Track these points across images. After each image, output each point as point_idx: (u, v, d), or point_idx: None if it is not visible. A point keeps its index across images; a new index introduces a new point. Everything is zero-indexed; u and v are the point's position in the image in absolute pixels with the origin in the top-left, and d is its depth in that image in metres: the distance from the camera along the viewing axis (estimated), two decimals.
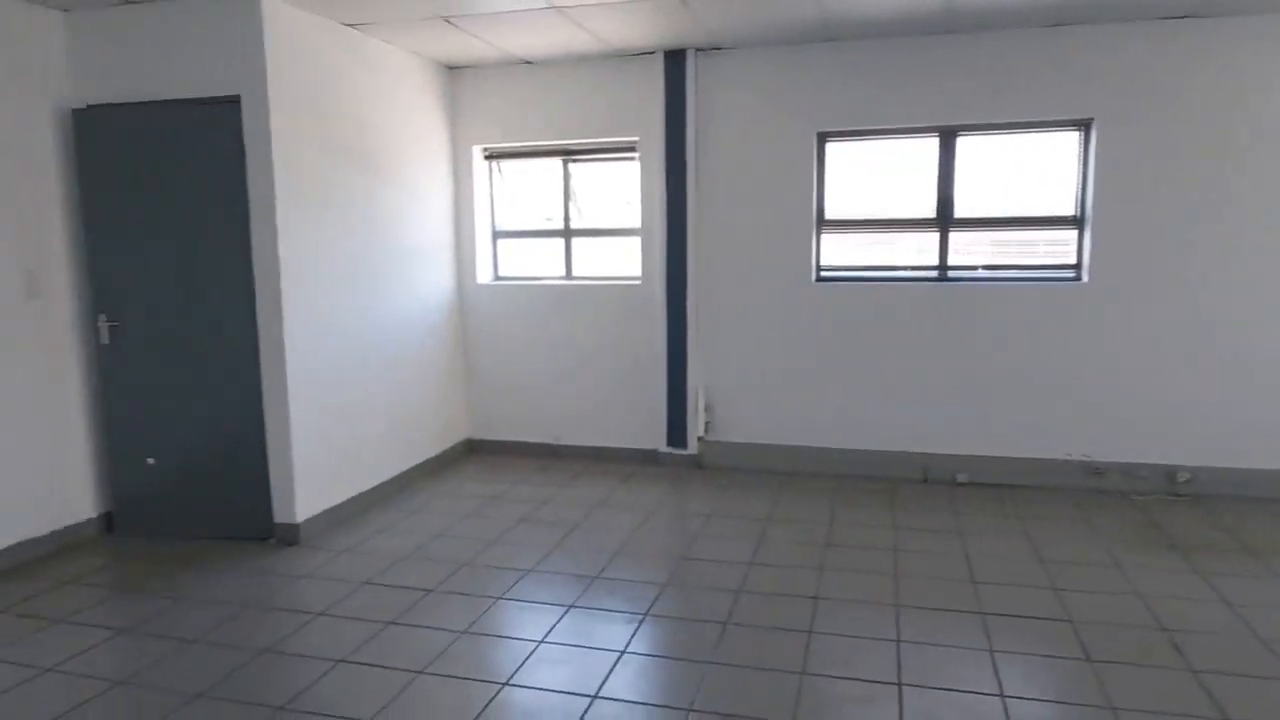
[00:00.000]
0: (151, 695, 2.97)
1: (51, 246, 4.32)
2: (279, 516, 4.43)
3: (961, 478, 5.29)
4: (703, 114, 5.52)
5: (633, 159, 5.78)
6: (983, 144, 5.23)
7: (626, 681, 3.01)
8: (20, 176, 4.16)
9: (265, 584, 3.94)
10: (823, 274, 5.53)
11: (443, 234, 5.88)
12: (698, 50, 5.44)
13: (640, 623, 3.46)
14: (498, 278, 6.22)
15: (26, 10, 4.16)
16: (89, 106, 4.36)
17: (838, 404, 5.50)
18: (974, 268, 5.32)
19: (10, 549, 4.12)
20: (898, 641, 3.25)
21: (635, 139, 5.68)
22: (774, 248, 5.49)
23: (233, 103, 4.20)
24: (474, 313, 6.14)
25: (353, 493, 4.86)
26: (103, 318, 4.42)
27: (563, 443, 6.07)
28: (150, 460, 4.50)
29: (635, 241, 5.82)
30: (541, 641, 3.32)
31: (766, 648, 3.23)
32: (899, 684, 2.94)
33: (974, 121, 5.12)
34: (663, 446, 5.81)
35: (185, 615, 3.60)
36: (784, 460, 5.61)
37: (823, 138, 5.42)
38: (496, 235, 6.21)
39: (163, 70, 4.27)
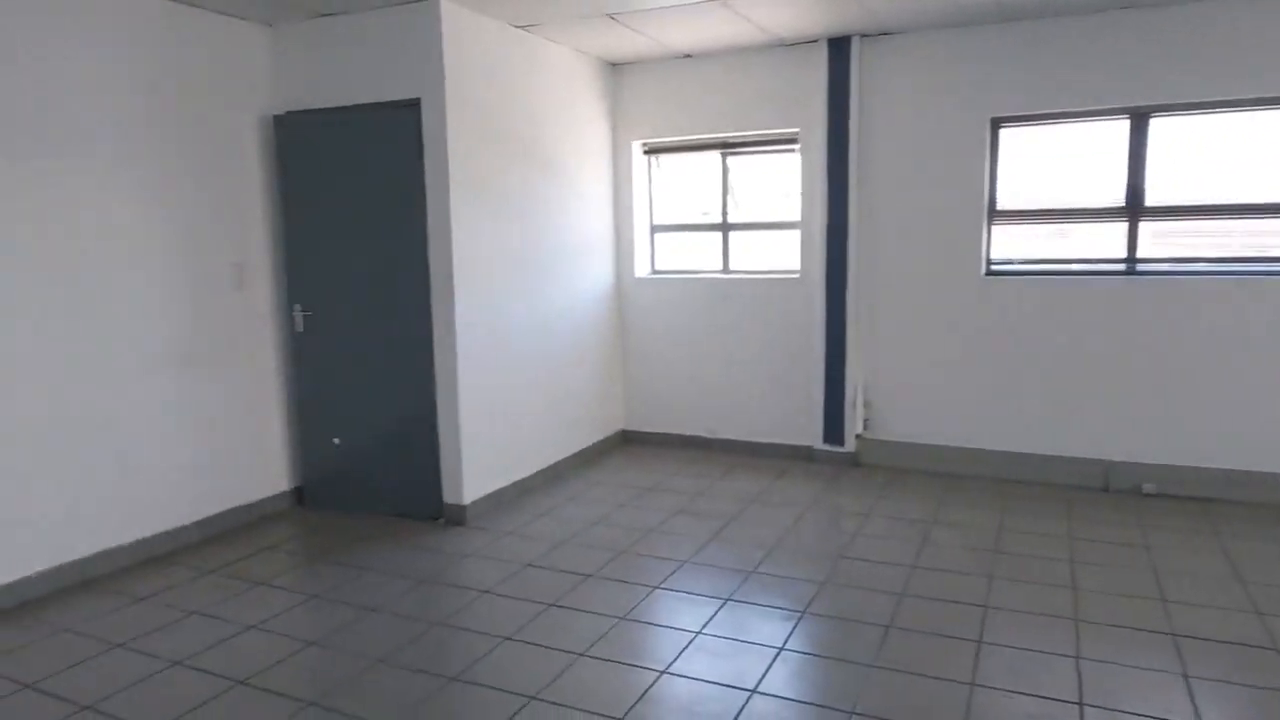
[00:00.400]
0: (340, 657, 3.20)
1: (255, 242, 4.74)
2: (448, 498, 4.67)
3: (1148, 488, 4.89)
4: (867, 102, 5.36)
5: (793, 151, 5.69)
6: (1180, 125, 4.80)
7: (785, 679, 2.98)
8: (231, 179, 4.58)
9: (436, 561, 4.16)
10: (994, 267, 5.25)
11: (602, 228, 6.01)
12: (863, 36, 5.28)
13: (798, 620, 3.42)
14: (655, 272, 6.29)
15: (238, 26, 4.57)
16: (288, 113, 4.74)
17: (1008, 404, 5.21)
18: (1167, 260, 4.89)
19: (221, 515, 4.56)
20: (1077, 658, 3.05)
21: (796, 130, 5.59)
22: (941, 240, 5.27)
23: (413, 105, 4.45)
24: (631, 306, 6.24)
25: (514, 478, 5.06)
26: (298, 307, 4.81)
27: (717, 436, 6.08)
28: (336, 440, 4.85)
29: (794, 235, 5.73)
30: (699, 632, 3.33)
31: (933, 655, 3.11)
32: (1080, 703, 2.76)
33: (1171, 101, 4.71)
34: (818, 443, 5.71)
35: (367, 585, 3.87)
36: (948, 461, 5.38)
37: (996, 123, 5.14)
38: (654, 229, 6.28)
39: (352, 77, 4.58)
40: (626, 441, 6.36)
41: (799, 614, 3.48)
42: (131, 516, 4.13)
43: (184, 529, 4.37)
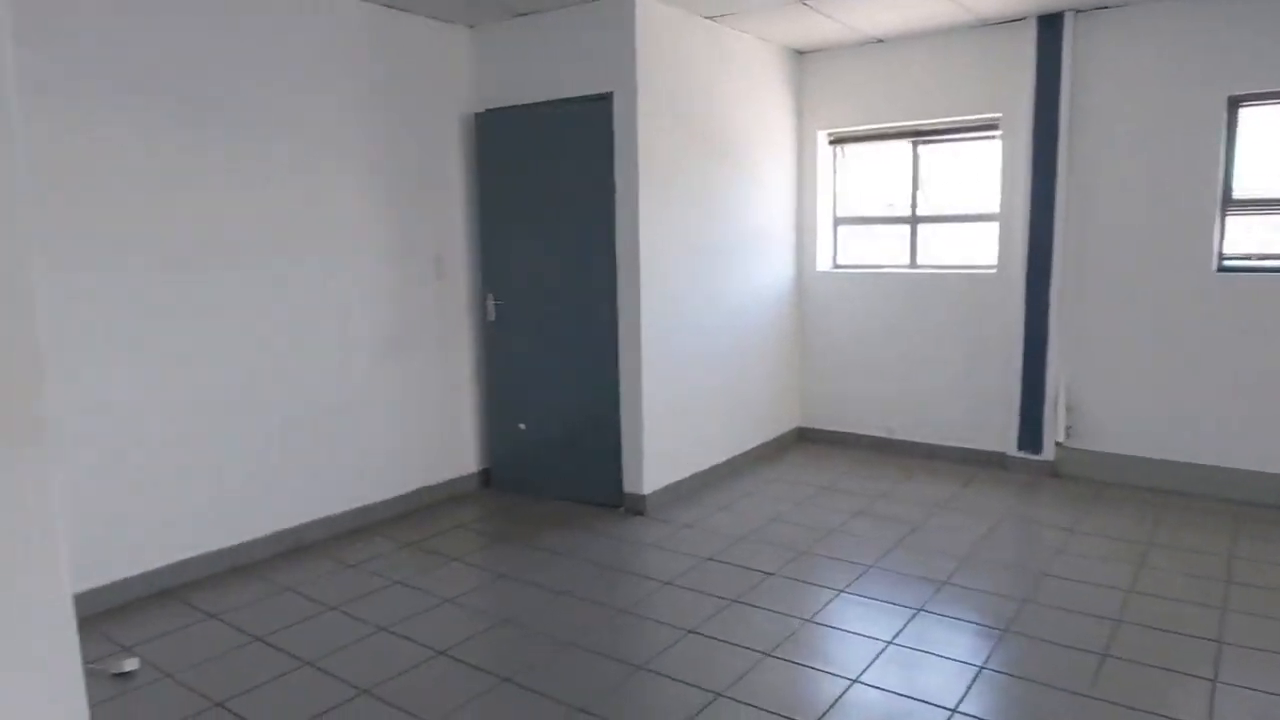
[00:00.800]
0: (530, 637, 3.31)
1: (454, 234, 4.98)
2: (628, 487, 4.73)
3: None
4: (1079, 83, 4.95)
5: (993, 137, 5.34)
6: None
7: (989, 701, 2.80)
8: (434, 174, 4.83)
9: (618, 549, 4.22)
10: (1226, 263, 4.72)
11: (784, 221, 5.89)
12: (1077, 12, 4.88)
13: (999, 638, 3.20)
14: (836, 266, 6.10)
15: (443, 29, 4.81)
16: (487, 110, 4.94)
17: (1241, 416, 4.67)
18: None
19: (416, 492, 4.84)
20: None
21: (997, 115, 5.25)
22: (1164, 232, 4.79)
23: (605, 99, 4.52)
24: (811, 301, 6.09)
25: (692, 471, 5.06)
26: (490, 297, 5.01)
27: (897, 437, 5.83)
28: (521, 426, 5.03)
29: (989, 227, 5.39)
30: (890, 642, 3.19)
31: (1159, 691, 2.82)
32: None
33: None
34: (1012, 450, 5.35)
35: (553, 569, 3.97)
36: (1165, 477, 4.90)
37: (1234, 103, 4.61)
38: (837, 222, 6.09)
39: (547, 73, 4.71)
40: (802, 439, 6.23)
41: (1000, 632, 3.26)
42: (341, 489, 4.45)
43: (385, 503, 4.66)
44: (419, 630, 3.37)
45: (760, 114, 5.52)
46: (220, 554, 3.96)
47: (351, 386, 4.46)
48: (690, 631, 3.31)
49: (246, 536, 4.06)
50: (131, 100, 3.54)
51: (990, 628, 3.30)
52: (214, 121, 3.82)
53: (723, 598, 3.61)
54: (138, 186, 3.59)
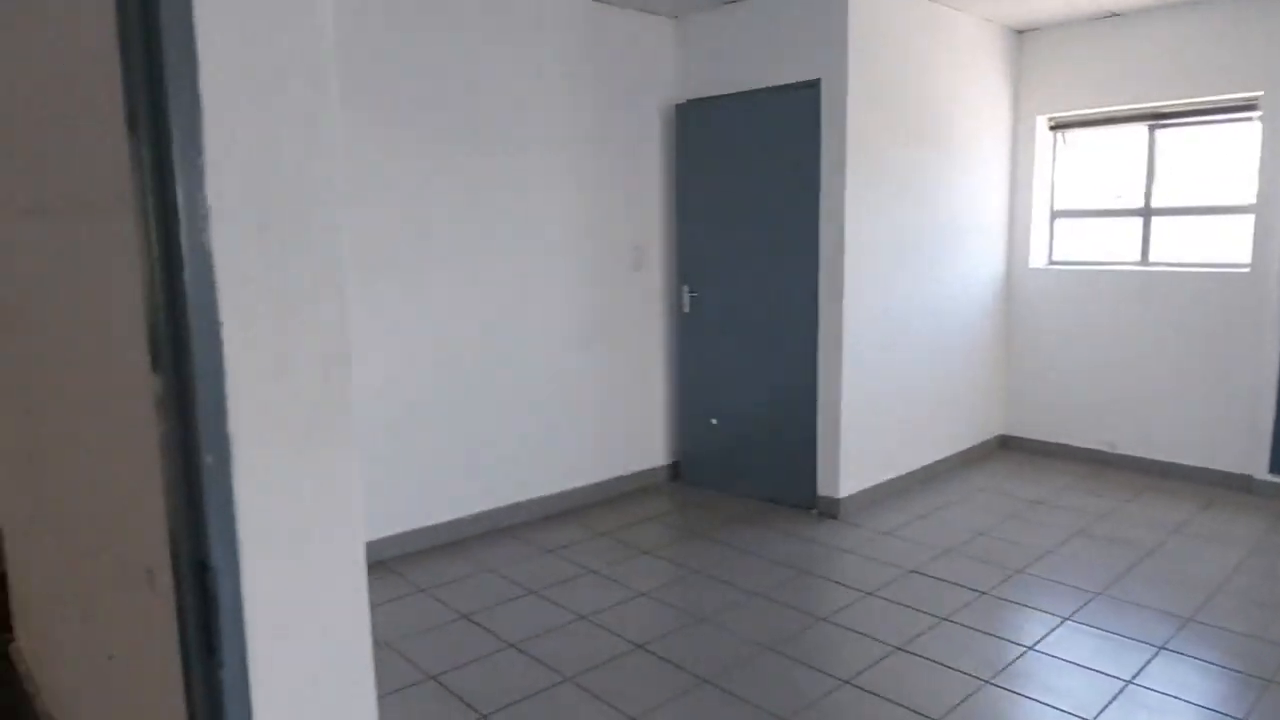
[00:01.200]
0: (727, 637, 3.24)
1: (652, 225, 4.98)
2: (822, 489, 4.57)
3: None
4: None
5: (1249, 119, 4.74)
6: None
7: None
8: (636, 166, 4.85)
9: (812, 552, 4.08)
10: None
11: (995, 213, 5.50)
12: None
13: (1262, 690, 2.82)
14: (1052, 262, 5.63)
15: (647, 20, 4.81)
16: (689, 101, 4.90)
17: None
18: None
19: (608, 482, 4.89)
20: None
21: (1256, 95, 4.64)
22: None
23: (812, 87, 4.36)
24: (1021, 299, 5.65)
25: (889, 475, 4.82)
26: (686, 289, 4.98)
27: (1117, 451, 5.31)
28: (713, 421, 4.97)
29: (1240, 221, 4.79)
30: (1129, 682, 2.88)
31: None
32: None
33: None
34: (1261, 472, 4.73)
35: (745, 568, 3.89)
36: None
37: None
38: (1055, 215, 5.62)
39: (752, 62, 4.60)
40: (1004, 447, 5.81)
41: (1262, 682, 2.87)
42: (538, 475, 4.56)
43: (578, 490, 4.74)
44: (616, 621, 3.38)
45: (974, 98, 5.16)
46: (428, 530, 4.16)
47: (554, 375, 4.57)
48: (898, 648, 3.13)
49: (451, 515, 4.24)
50: (356, 100, 3.76)
51: (1250, 676, 2.91)
52: (436, 123, 3.99)
53: (932, 614, 3.39)
54: (392, 186, 3.82)
